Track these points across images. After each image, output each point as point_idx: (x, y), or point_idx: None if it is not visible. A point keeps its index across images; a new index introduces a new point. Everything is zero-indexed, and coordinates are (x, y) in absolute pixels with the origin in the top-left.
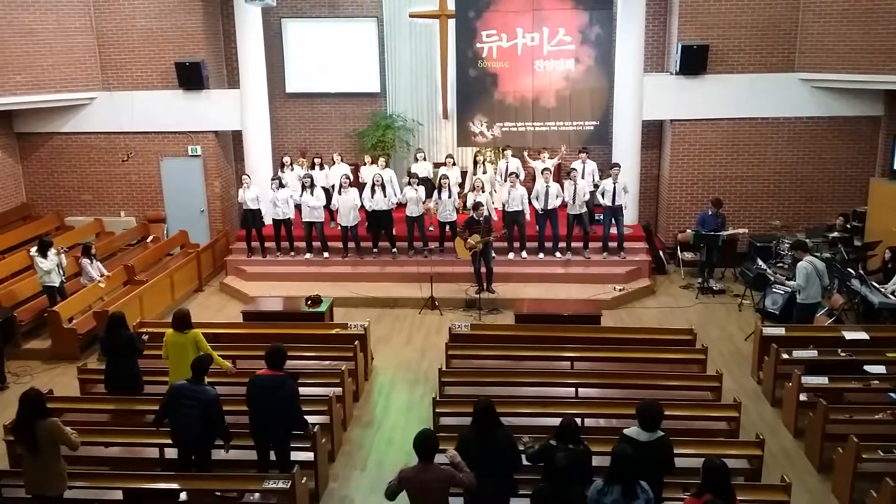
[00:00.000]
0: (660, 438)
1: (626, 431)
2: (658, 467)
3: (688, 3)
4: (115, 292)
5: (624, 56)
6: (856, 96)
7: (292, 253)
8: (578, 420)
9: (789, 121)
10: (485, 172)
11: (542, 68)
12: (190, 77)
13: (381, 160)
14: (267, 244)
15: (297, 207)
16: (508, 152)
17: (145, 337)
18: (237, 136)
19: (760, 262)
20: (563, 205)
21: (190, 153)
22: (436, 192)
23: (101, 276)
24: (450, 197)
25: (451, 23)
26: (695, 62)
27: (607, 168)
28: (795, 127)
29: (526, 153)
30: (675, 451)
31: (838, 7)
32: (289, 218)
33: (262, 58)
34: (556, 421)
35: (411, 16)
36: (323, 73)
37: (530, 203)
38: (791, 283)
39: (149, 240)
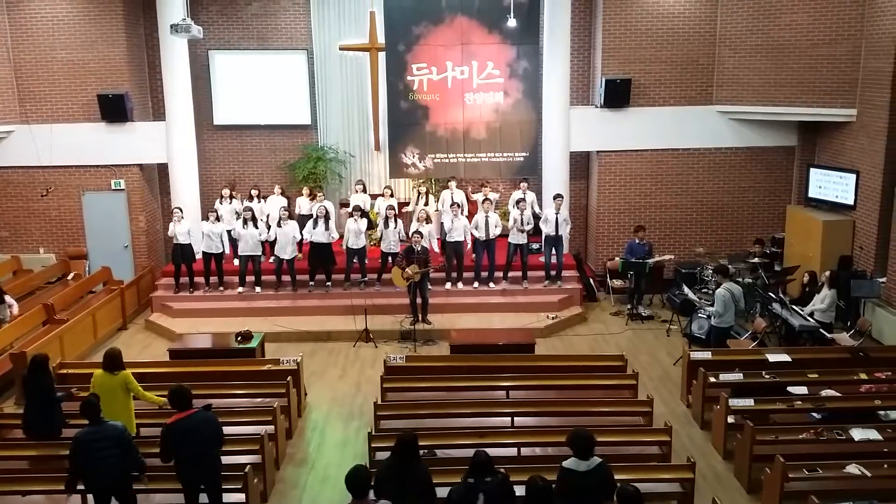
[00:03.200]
0: (598, 465)
1: (564, 464)
2: (601, 494)
3: (610, 39)
4: (33, 332)
5: (551, 90)
6: (770, 127)
7: (221, 288)
8: (515, 450)
9: (710, 151)
10: (426, 204)
11: (472, 101)
12: (113, 109)
13: (320, 194)
14: (196, 279)
15: (232, 241)
16: (453, 183)
17: (73, 390)
18: (163, 170)
19: (686, 289)
20: (503, 235)
21: (113, 187)
22: (381, 222)
23: (9, 307)
24: (395, 228)
25: (382, 56)
26: (618, 96)
27: (553, 198)
28: (715, 157)
29: (469, 188)
30: None
31: (752, 43)
32: (221, 252)
33: (189, 90)
34: (495, 451)
35: (341, 49)
36: (252, 106)
37: (471, 233)
38: (710, 308)
39: (69, 277)
